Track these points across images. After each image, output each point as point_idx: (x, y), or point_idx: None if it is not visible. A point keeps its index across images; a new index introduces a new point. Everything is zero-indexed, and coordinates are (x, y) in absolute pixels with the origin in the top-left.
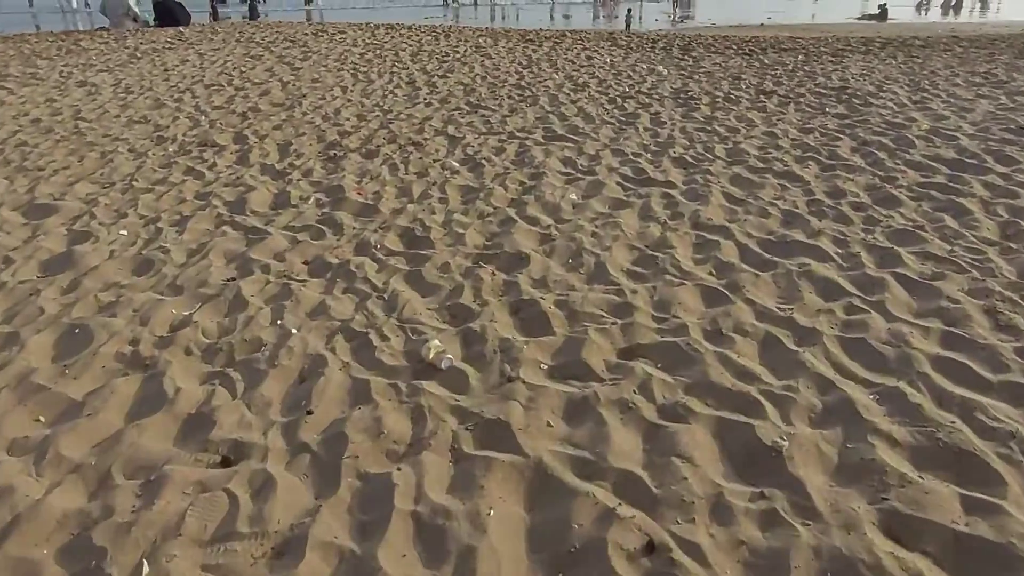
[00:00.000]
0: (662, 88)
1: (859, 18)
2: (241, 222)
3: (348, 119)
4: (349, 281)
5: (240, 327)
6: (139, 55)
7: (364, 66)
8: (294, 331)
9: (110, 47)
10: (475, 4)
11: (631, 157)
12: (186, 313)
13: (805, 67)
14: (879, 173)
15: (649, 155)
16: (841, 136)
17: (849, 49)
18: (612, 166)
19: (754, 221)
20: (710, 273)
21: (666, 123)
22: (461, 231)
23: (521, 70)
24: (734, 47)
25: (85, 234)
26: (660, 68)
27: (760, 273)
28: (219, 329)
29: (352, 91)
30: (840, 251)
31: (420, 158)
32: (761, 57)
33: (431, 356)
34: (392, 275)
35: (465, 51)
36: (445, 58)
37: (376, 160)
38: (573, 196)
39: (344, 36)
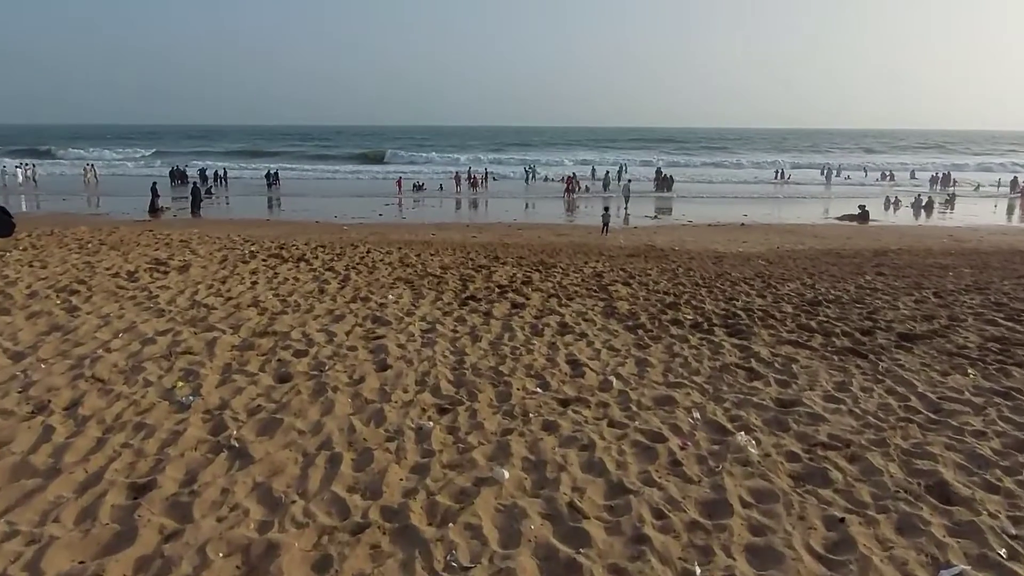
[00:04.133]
0: (785, 548)
1: (839, 219)
2: None
3: None
4: None
5: None
6: None
7: (105, 395)
8: None
9: None
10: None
11: None
12: None
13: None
14: None
15: None
16: None
17: (1015, 341)
18: None
19: None
20: None
21: None
22: None
23: (435, 416)
24: (806, 318)
25: None
26: (740, 438)
27: None
28: None
29: None
30: None
31: None
32: (886, 363)
33: None
34: None
35: (350, 333)
36: (297, 358)
37: None
38: None
39: (172, 286)
